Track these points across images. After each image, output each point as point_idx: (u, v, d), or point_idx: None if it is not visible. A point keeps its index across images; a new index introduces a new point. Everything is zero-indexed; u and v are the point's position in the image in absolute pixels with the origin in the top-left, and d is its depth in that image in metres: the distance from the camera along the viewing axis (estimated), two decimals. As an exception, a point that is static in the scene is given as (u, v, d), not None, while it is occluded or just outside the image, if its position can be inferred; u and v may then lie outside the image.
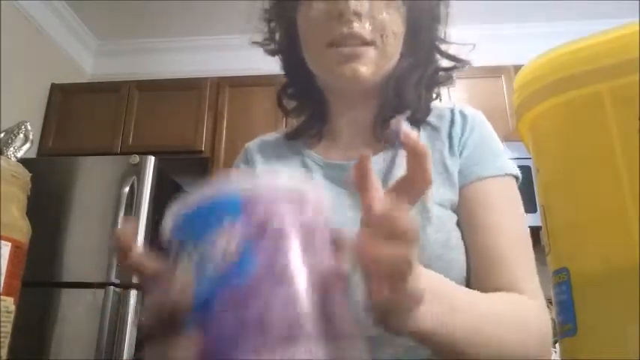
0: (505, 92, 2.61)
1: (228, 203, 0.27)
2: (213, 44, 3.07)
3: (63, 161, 2.27)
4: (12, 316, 0.46)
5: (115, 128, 2.74)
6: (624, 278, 0.26)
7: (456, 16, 0.71)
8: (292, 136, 0.75)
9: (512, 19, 2.90)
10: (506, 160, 0.67)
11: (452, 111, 0.71)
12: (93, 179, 2.16)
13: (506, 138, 2.00)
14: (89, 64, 3.22)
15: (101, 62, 3.22)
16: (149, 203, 2.08)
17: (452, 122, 0.70)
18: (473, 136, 0.68)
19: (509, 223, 0.62)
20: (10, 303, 0.46)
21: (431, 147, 0.69)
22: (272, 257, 0.26)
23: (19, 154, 0.88)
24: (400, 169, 0.66)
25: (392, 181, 0.64)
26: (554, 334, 0.48)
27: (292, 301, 0.26)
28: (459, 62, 0.71)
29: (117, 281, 1.95)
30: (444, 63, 0.72)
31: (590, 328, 0.27)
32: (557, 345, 0.80)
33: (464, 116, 0.70)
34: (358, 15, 0.61)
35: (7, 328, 0.45)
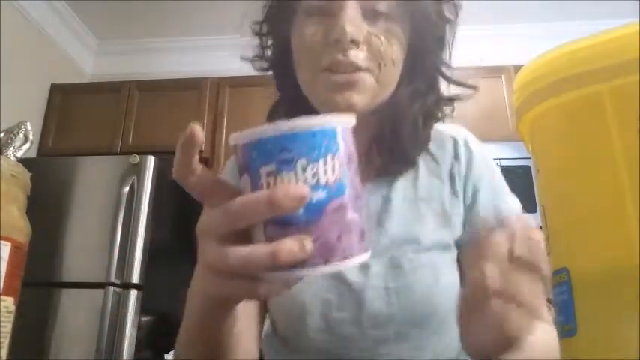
0: (505, 92, 2.61)
1: (330, 132, 0.34)
2: (213, 44, 3.06)
3: (63, 161, 2.27)
4: (12, 316, 0.46)
5: (115, 128, 2.74)
6: (624, 278, 0.26)
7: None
8: None
9: (513, 19, 2.90)
10: (513, 197, 0.67)
11: (455, 142, 0.69)
12: (93, 179, 2.16)
13: (507, 138, 2.00)
14: (89, 64, 3.22)
15: (101, 62, 3.23)
16: (149, 203, 2.08)
17: (455, 157, 0.67)
18: (483, 180, 0.67)
19: None
20: (10, 303, 0.46)
21: (429, 185, 0.66)
22: (354, 181, 0.35)
23: (19, 154, 0.88)
24: (397, 201, 0.65)
25: (389, 213, 0.64)
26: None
27: (364, 217, 0.36)
28: (464, 87, 0.67)
29: (117, 281, 1.95)
30: (449, 89, 0.68)
31: (590, 328, 0.27)
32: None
33: (469, 152, 0.68)
34: (356, 43, 0.57)
35: (7, 328, 0.45)
